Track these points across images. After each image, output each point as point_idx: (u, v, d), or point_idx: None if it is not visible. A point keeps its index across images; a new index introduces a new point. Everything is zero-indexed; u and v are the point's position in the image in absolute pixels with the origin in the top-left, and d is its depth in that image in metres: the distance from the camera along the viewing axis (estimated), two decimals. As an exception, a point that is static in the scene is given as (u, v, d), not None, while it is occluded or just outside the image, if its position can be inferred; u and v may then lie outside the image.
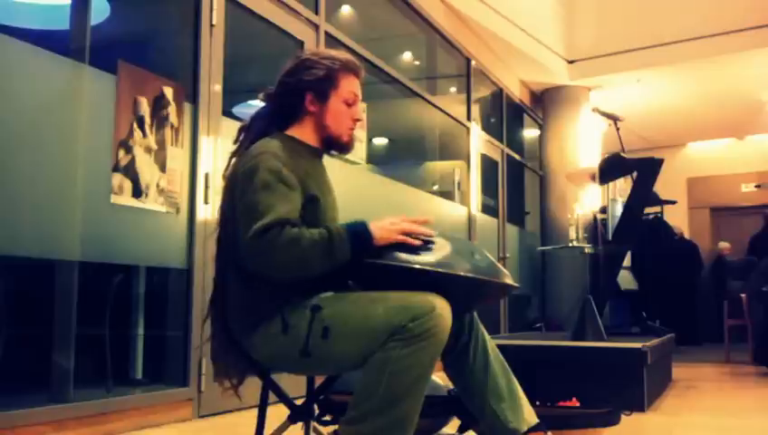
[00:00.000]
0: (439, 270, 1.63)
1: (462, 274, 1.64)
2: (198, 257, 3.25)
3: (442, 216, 5.99)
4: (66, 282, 2.79)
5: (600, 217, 4.82)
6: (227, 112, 3.60)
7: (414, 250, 1.67)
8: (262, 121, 1.89)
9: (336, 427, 2.05)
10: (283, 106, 1.87)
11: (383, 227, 1.66)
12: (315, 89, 1.82)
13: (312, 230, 1.63)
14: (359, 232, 1.65)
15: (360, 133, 4.67)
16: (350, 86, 1.85)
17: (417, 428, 1.59)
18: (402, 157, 7.53)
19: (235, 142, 1.90)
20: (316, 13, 4.36)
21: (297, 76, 1.83)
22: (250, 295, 1.72)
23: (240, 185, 1.70)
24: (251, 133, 1.87)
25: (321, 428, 2.06)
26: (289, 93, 1.84)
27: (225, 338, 1.79)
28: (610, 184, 5.84)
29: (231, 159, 1.85)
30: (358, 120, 1.89)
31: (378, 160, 6.70)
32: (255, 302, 1.70)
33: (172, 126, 3.16)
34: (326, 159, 1.95)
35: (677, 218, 9.35)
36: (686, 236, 9.32)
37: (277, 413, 1.90)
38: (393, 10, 5.65)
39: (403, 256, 1.66)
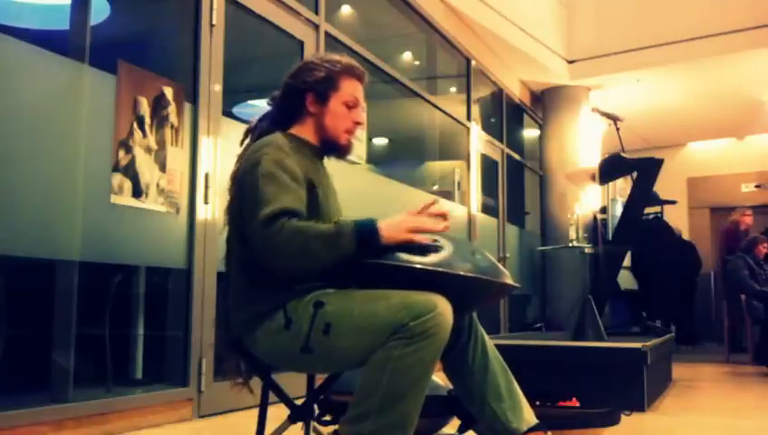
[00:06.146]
0: (440, 270, 1.63)
1: (462, 273, 1.65)
2: (198, 257, 3.25)
3: (442, 216, 5.97)
4: (66, 282, 2.79)
5: (599, 217, 4.82)
6: (227, 112, 3.60)
7: (415, 249, 1.67)
8: (265, 122, 1.93)
9: (336, 427, 2.05)
10: (285, 107, 1.90)
11: (391, 225, 1.67)
12: (316, 89, 1.85)
13: (321, 223, 1.65)
14: (366, 228, 1.65)
15: (360, 133, 4.67)
16: (350, 89, 1.88)
17: (417, 428, 1.59)
18: (402, 157, 7.53)
19: (241, 144, 1.94)
20: (316, 13, 4.36)
21: (299, 77, 1.87)
22: (253, 292, 1.73)
23: (245, 177, 1.72)
24: (255, 134, 1.91)
25: (321, 428, 2.06)
26: (291, 94, 1.88)
27: (229, 335, 1.81)
28: (610, 184, 5.85)
29: (238, 160, 1.88)
30: (358, 123, 1.90)
31: (378, 160, 6.69)
32: (258, 298, 1.71)
33: (172, 126, 3.16)
34: (325, 159, 1.96)
35: (677, 218, 9.35)
36: (686, 236, 9.31)
37: (277, 413, 1.90)
38: (393, 10, 5.64)
39: (404, 255, 1.66)
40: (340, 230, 1.62)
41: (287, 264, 1.64)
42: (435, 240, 1.71)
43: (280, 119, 1.91)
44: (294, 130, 1.89)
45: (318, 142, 1.89)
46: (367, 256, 1.66)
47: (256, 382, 1.85)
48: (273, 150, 1.72)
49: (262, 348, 1.73)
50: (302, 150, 1.83)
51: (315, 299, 1.67)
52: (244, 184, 1.72)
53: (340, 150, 1.91)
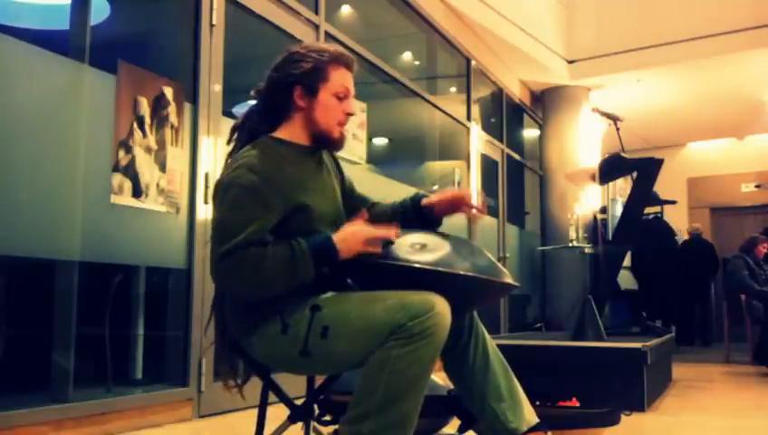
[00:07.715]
0: (438, 269, 1.63)
1: (461, 273, 1.64)
2: (198, 257, 3.25)
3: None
4: (66, 282, 2.79)
5: (599, 217, 4.83)
6: (227, 112, 3.60)
7: (413, 249, 1.67)
8: (252, 120, 1.86)
9: (336, 427, 2.05)
10: (272, 102, 1.82)
11: (346, 239, 1.65)
12: (304, 82, 1.76)
13: (277, 248, 1.61)
14: (322, 248, 1.64)
15: (360, 133, 4.67)
16: (340, 79, 1.79)
17: (417, 428, 1.59)
18: (402, 157, 7.53)
19: (229, 142, 1.88)
20: (316, 13, 4.36)
21: (285, 70, 1.78)
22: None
23: (216, 200, 1.70)
24: (243, 133, 1.85)
25: (321, 428, 2.06)
26: (277, 88, 1.79)
27: (226, 338, 1.80)
28: (610, 184, 5.84)
29: (227, 160, 1.84)
30: (350, 114, 1.82)
31: (378, 160, 6.69)
32: (254, 303, 1.69)
33: (172, 126, 3.16)
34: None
35: (678, 219, 9.35)
36: (687, 236, 9.25)
37: (277, 413, 1.90)
38: (393, 10, 5.65)
39: (402, 255, 1.66)
40: (295, 256, 1.60)
41: (246, 294, 1.66)
42: (423, 243, 1.69)
43: (267, 116, 1.83)
44: (283, 130, 1.81)
45: (309, 138, 1.81)
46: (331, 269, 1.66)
47: (251, 385, 1.84)
48: (245, 172, 1.65)
49: (260, 352, 1.71)
50: (288, 158, 1.76)
51: (312, 303, 1.65)
52: (215, 206, 1.70)
53: (333, 144, 1.84)
